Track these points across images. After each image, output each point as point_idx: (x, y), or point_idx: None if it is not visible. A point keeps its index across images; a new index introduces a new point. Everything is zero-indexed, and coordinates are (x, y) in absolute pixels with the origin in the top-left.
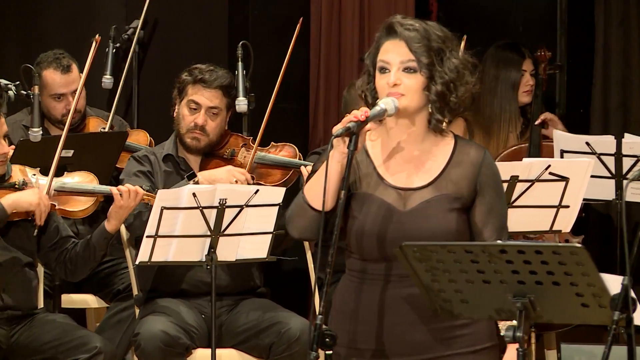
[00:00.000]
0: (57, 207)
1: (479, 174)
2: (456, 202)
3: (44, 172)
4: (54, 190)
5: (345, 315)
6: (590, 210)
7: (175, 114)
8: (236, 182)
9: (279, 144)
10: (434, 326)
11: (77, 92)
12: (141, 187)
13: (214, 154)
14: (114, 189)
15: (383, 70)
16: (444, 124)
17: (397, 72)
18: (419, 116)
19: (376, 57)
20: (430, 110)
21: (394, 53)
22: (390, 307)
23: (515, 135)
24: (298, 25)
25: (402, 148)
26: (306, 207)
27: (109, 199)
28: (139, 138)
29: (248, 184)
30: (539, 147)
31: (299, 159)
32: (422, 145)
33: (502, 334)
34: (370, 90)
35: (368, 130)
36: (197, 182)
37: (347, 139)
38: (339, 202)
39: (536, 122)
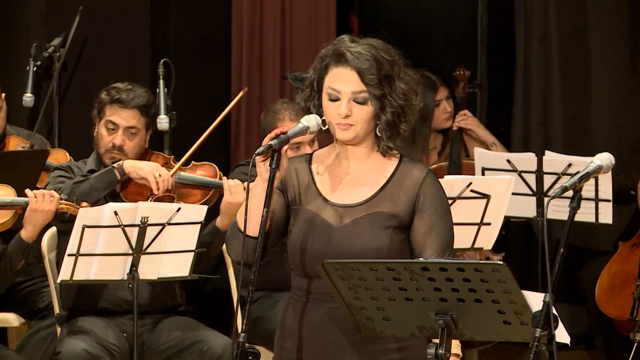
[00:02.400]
0: None
1: (418, 193)
2: (392, 220)
3: None
4: None
5: (289, 333)
6: (512, 228)
7: (95, 134)
8: (159, 176)
9: (199, 163)
10: (365, 349)
11: None
12: (59, 195)
13: None
14: (29, 192)
15: (333, 98)
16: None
17: (348, 103)
18: (365, 139)
19: (323, 78)
20: (379, 134)
21: (345, 82)
22: (327, 326)
23: (436, 153)
24: None
25: (346, 167)
26: (237, 230)
27: None
28: (58, 157)
29: (170, 198)
30: (459, 165)
31: (219, 178)
32: (366, 164)
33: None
34: (315, 107)
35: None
36: (121, 168)
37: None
38: (262, 220)
39: (454, 127)
